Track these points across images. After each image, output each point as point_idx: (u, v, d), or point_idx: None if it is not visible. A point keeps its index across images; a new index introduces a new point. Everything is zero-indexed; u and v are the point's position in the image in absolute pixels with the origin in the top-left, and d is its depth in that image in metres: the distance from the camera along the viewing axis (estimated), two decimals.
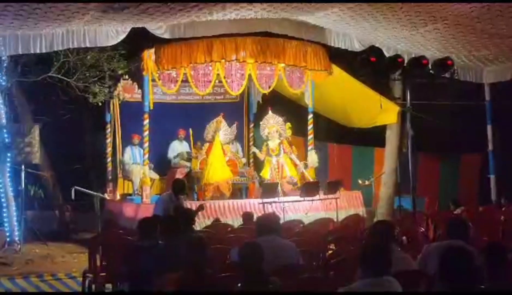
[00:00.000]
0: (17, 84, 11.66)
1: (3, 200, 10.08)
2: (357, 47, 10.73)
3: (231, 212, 10.49)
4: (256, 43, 10.85)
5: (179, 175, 11.92)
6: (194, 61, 10.69)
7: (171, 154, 12.81)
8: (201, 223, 9.56)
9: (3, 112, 10.13)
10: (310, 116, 12.34)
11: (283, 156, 11.92)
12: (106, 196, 12.00)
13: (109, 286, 6.58)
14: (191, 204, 9.95)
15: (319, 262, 6.23)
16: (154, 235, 5.46)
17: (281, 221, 6.70)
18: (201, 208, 8.24)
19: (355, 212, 11.04)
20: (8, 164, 10.14)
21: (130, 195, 12.23)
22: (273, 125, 12.16)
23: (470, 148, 14.28)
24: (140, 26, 9.22)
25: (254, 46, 10.83)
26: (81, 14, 7.86)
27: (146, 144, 11.18)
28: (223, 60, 10.86)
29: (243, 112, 14.40)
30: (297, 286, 4.36)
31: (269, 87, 11.82)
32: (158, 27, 9.46)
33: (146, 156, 11.24)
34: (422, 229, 8.01)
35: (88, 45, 9.46)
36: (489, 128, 12.87)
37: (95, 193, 10.86)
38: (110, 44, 9.87)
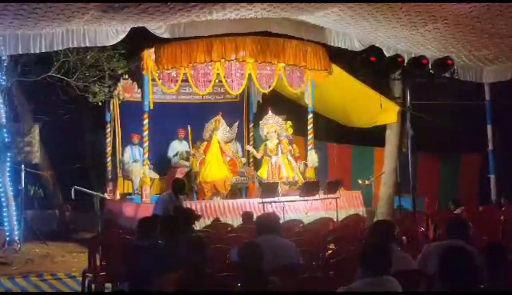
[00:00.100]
0: (17, 84, 11.67)
1: (3, 199, 10.08)
2: (357, 46, 10.73)
3: (230, 212, 10.49)
4: (256, 43, 10.85)
5: (179, 175, 11.93)
6: (194, 61, 10.69)
7: (171, 153, 12.82)
8: (201, 222, 9.56)
9: (3, 111, 10.13)
10: (310, 116, 12.34)
11: (281, 156, 11.91)
12: (106, 195, 12.01)
13: (108, 286, 6.58)
14: (190, 204, 9.97)
15: (319, 262, 6.23)
16: (154, 235, 5.46)
17: (281, 221, 6.70)
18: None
19: (355, 211, 11.03)
20: (8, 164, 10.14)
21: (130, 194, 12.24)
22: (272, 125, 12.16)
23: (470, 147, 14.27)
24: (140, 25, 9.21)
25: (254, 45, 10.83)
26: (81, 14, 7.86)
27: (146, 144, 11.19)
28: (223, 60, 10.86)
29: (243, 112, 14.40)
30: (297, 286, 4.36)
31: (269, 87, 11.82)
32: (158, 27, 9.46)
33: (146, 155, 11.24)
34: (422, 228, 8.00)
35: (88, 44, 9.45)
36: (489, 128, 12.86)
37: (95, 193, 10.86)
38: (110, 44, 9.87)
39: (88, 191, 10.52)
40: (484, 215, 10.39)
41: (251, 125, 14.29)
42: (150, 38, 10.19)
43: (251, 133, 14.31)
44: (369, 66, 8.76)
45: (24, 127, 10.67)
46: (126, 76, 12.04)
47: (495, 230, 7.83)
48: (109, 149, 13.12)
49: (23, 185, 10.59)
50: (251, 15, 9.07)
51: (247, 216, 8.69)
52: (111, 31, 9.30)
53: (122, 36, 9.43)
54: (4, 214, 10.09)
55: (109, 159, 13.11)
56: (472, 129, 13.57)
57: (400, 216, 10.32)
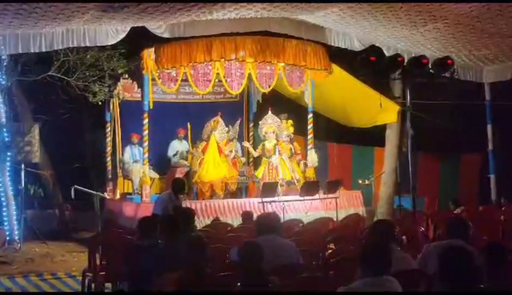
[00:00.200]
0: (17, 83, 11.67)
1: (3, 199, 10.09)
2: (357, 46, 10.73)
3: (230, 211, 10.49)
4: (256, 43, 10.85)
5: (178, 174, 11.94)
6: (194, 61, 10.69)
7: (170, 153, 12.81)
8: (200, 222, 9.56)
9: (3, 111, 10.14)
10: (310, 115, 12.33)
11: (278, 157, 11.91)
12: (106, 195, 12.00)
13: (108, 285, 6.58)
14: (190, 204, 9.97)
15: (318, 262, 6.22)
16: (154, 235, 5.46)
17: (281, 221, 6.69)
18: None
19: (355, 211, 11.03)
20: (8, 163, 10.15)
21: (130, 194, 12.23)
22: (271, 126, 12.16)
23: (470, 147, 14.27)
24: (140, 25, 9.21)
25: (254, 45, 10.83)
26: (81, 13, 7.86)
27: (146, 144, 11.19)
28: (222, 60, 10.85)
29: (243, 112, 14.39)
30: (296, 286, 4.36)
31: (269, 86, 11.82)
32: (158, 26, 9.46)
33: (146, 155, 11.24)
34: (422, 228, 7.99)
35: (88, 44, 9.45)
36: (489, 128, 12.86)
37: (95, 192, 10.85)
38: (110, 43, 9.86)
39: (88, 190, 10.52)
40: (484, 215, 10.39)
41: (251, 125, 14.29)
42: (150, 38, 10.19)
43: (251, 133, 14.30)
44: (369, 66, 8.75)
45: (24, 126, 10.67)
46: (126, 76, 12.03)
47: (495, 230, 7.83)
48: (109, 149, 13.12)
49: (23, 185, 10.59)
50: (251, 14, 9.07)
51: (247, 215, 8.69)
52: (111, 31, 9.30)
53: (122, 35, 9.42)
54: (4, 213, 10.10)
55: (109, 159, 13.11)
56: (472, 129, 13.56)
57: (400, 216, 10.32)
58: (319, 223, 8.47)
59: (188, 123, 12.45)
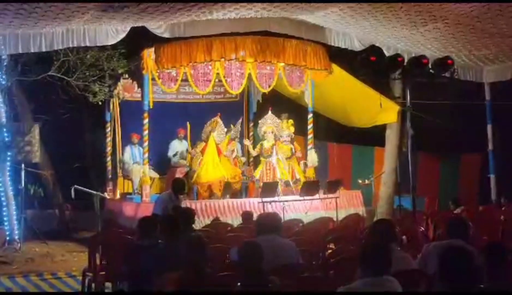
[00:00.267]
0: (17, 83, 11.66)
1: (3, 198, 10.09)
2: (357, 46, 10.73)
3: (230, 211, 10.49)
4: (256, 43, 10.85)
5: (178, 174, 11.94)
6: (194, 60, 10.70)
7: (171, 153, 12.81)
8: (200, 222, 9.56)
9: (3, 111, 10.14)
10: (310, 115, 12.34)
11: (275, 158, 11.89)
12: (106, 195, 12.00)
13: (108, 285, 6.58)
14: (190, 203, 9.97)
15: (318, 262, 6.22)
16: (154, 234, 5.46)
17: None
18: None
19: (355, 211, 11.03)
20: (8, 163, 10.15)
21: (130, 194, 12.24)
22: (270, 126, 12.18)
23: (470, 147, 14.27)
24: (140, 25, 9.21)
25: (254, 45, 10.83)
26: (81, 13, 7.86)
27: (146, 144, 11.19)
28: (222, 59, 10.87)
29: (243, 112, 14.39)
30: (296, 286, 4.36)
31: (269, 86, 11.83)
32: (158, 26, 9.46)
33: (146, 155, 11.24)
34: (422, 228, 8.00)
35: (88, 44, 9.45)
36: (489, 128, 12.86)
37: (95, 192, 10.82)
38: (110, 43, 9.86)
39: (88, 190, 10.50)
40: (484, 215, 10.38)
41: (251, 124, 14.29)
42: (150, 38, 10.19)
43: (251, 133, 14.30)
44: (369, 66, 8.75)
45: (24, 126, 10.67)
46: (126, 76, 12.03)
47: (495, 230, 7.83)
48: (109, 148, 13.12)
49: (23, 184, 10.59)
50: (251, 14, 9.07)
51: (247, 215, 8.69)
52: (111, 31, 9.30)
53: (122, 35, 9.42)
54: (4, 213, 10.09)
55: (109, 158, 13.11)
56: (472, 129, 13.56)
57: (400, 216, 10.32)
58: (319, 223, 8.47)
59: (188, 123, 12.44)
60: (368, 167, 14.33)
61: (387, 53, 9.72)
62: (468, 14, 8.43)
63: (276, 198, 10.13)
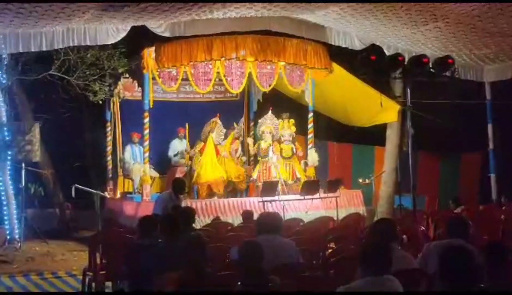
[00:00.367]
0: (18, 82, 11.67)
1: (3, 198, 10.09)
2: (357, 45, 10.72)
3: (231, 211, 10.50)
4: (256, 42, 10.85)
5: (179, 174, 11.94)
6: (194, 60, 10.69)
7: (171, 152, 12.80)
8: (201, 221, 9.57)
9: (3, 110, 10.14)
10: (310, 114, 12.34)
11: (272, 158, 11.87)
12: (106, 194, 11.98)
13: (109, 284, 6.58)
14: (191, 203, 9.97)
15: (319, 261, 6.22)
16: (155, 234, 5.46)
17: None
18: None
19: (355, 210, 11.04)
20: (9, 162, 10.16)
21: (130, 193, 12.25)
22: (269, 126, 12.18)
23: (471, 146, 14.27)
24: (141, 24, 9.21)
25: (254, 44, 10.83)
26: (82, 13, 7.86)
27: (146, 143, 11.19)
28: (223, 59, 10.86)
29: (244, 111, 14.39)
30: (297, 285, 4.36)
31: (269, 85, 11.82)
32: (158, 26, 9.45)
33: (147, 154, 11.24)
34: (422, 227, 8.00)
35: (88, 43, 9.44)
36: (489, 127, 12.86)
37: (95, 191, 10.82)
38: (110, 42, 9.84)
39: (88, 189, 10.49)
40: (485, 214, 10.38)
41: (251, 124, 14.29)
42: (151, 37, 10.18)
43: (251, 132, 14.30)
44: (370, 65, 8.74)
45: (24, 126, 10.68)
46: (127, 75, 12.03)
47: (496, 229, 7.83)
48: (109, 148, 13.12)
49: (23, 184, 10.59)
50: (252, 13, 9.06)
51: (247, 215, 8.69)
52: (112, 30, 9.29)
53: (122, 34, 9.42)
54: (5, 212, 10.10)
55: (109, 158, 13.12)
56: (472, 129, 13.56)
57: (401, 215, 10.31)
58: (319, 222, 8.47)
59: (186, 124, 12.43)
60: (368, 166, 14.33)
61: (387, 52, 9.73)
62: (469, 13, 8.43)
63: (276, 197, 10.13)
